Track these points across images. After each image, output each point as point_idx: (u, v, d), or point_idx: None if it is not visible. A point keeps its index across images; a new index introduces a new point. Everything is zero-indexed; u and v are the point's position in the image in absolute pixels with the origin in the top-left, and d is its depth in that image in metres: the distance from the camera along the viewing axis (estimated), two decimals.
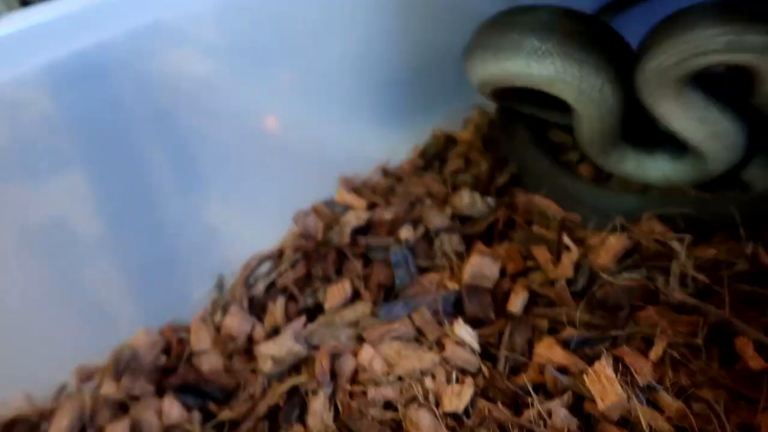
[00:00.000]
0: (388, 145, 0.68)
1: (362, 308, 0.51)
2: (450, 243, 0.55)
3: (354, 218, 0.57)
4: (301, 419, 0.42)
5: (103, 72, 0.45)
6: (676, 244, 0.46)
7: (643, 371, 0.41)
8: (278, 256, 0.56)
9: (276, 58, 0.60)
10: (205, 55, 0.57)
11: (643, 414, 0.38)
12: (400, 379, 0.44)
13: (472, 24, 0.71)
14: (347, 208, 0.59)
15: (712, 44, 0.42)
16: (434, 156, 0.66)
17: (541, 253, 0.51)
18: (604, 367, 0.40)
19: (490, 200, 0.59)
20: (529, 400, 0.40)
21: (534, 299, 0.49)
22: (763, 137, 0.51)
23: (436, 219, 0.56)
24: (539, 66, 0.48)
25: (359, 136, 0.69)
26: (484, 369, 0.44)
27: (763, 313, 0.42)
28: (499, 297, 0.50)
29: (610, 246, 0.49)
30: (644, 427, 0.38)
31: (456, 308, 0.50)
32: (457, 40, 0.71)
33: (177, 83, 0.53)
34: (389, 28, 0.68)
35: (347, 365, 0.45)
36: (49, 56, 0.43)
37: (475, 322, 0.49)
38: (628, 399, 0.38)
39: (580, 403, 0.40)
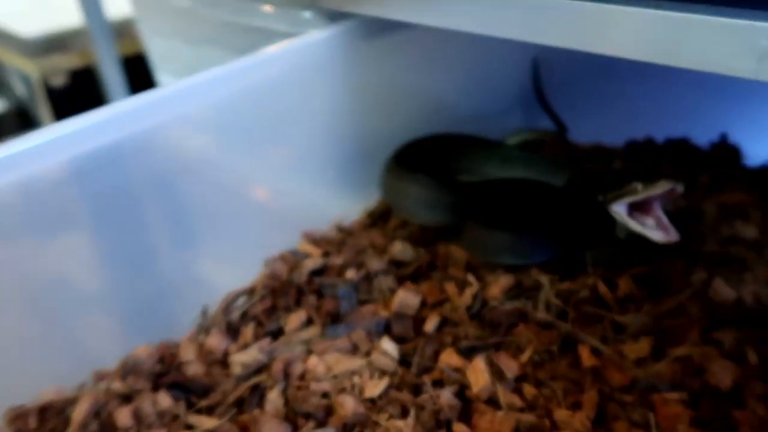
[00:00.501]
0: (345, 207, 0.85)
1: (314, 330, 0.66)
2: (385, 282, 0.71)
3: (312, 263, 0.73)
4: (260, 405, 0.57)
5: (118, 155, 0.62)
6: (544, 280, 0.62)
7: (511, 368, 0.56)
8: (251, 292, 0.72)
9: (259, 136, 0.78)
10: (201, 133, 0.74)
11: (503, 395, 0.53)
12: (335, 377, 0.58)
13: (408, 117, 0.91)
14: (307, 255, 0.75)
15: None
16: (379, 217, 0.83)
17: (451, 288, 0.67)
18: (480, 363, 0.55)
19: (421, 250, 0.75)
20: (426, 387, 0.55)
21: (444, 322, 0.65)
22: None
23: (375, 263, 0.72)
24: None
25: (322, 200, 0.87)
26: (400, 370, 0.59)
27: (598, 327, 0.58)
28: (418, 321, 0.66)
29: (499, 282, 0.65)
30: (503, 404, 0.53)
31: (386, 330, 0.66)
32: (398, 127, 0.90)
33: (176, 155, 0.70)
34: (347, 117, 0.87)
35: (297, 368, 0.60)
36: (74, 151, 0.59)
37: (399, 340, 0.64)
38: (493, 384, 0.54)
39: (463, 391, 0.55)
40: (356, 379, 0.58)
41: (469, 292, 0.65)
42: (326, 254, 0.75)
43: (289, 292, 0.70)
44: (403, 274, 0.72)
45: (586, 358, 0.56)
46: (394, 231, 0.80)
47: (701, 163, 0.90)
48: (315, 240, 0.78)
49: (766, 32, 0.42)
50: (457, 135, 0.91)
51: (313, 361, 0.61)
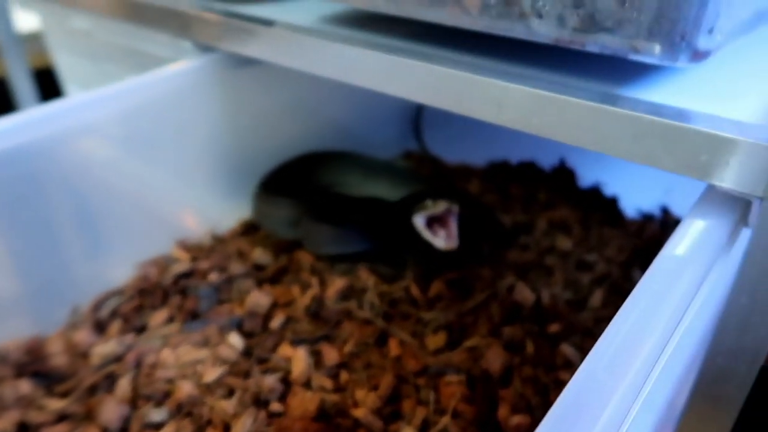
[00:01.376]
0: (223, 216, 0.94)
1: (174, 327, 0.75)
2: (244, 284, 0.81)
3: (180, 267, 0.81)
4: (110, 391, 0.65)
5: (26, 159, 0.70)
6: (370, 283, 0.73)
7: (331, 357, 0.66)
8: (122, 292, 0.80)
9: (145, 150, 0.86)
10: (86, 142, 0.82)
11: (316, 379, 0.63)
12: (182, 366, 0.67)
13: (286, 137, 1.01)
14: (178, 260, 0.84)
15: None
16: (251, 226, 0.92)
17: (296, 291, 0.77)
18: (301, 353, 0.65)
19: (282, 256, 0.85)
20: (254, 373, 0.65)
21: (288, 320, 0.75)
22: None
23: (237, 268, 0.81)
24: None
25: (203, 209, 0.95)
26: (241, 360, 0.69)
27: (408, 323, 0.69)
28: (268, 319, 0.76)
29: (335, 285, 0.75)
30: (315, 386, 0.63)
31: (238, 326, 0.75)
32: (275, 146, 1.00)
33: (62, 162, 0.78)
34: (225, 135, 0.96)
35: (150, 359, 0.68)
36: None
37: (247, 335, 0.74)
38: (309, 370, 0.64)
39: (287, 376, 0.65)
40: (199, 368, 0.67)
41: (309, 294, 0.75)
42: (195, 259, 0.84)
43: (156, 293, 0.79)
44: (262, 277, 0.82)
45: (393, 348, 0.67)
46: (260, 240, 0.89)
47: (543, 182, 1.03)
48: (187, 246, 0.86)
49: (501, 88, 0.53)
50: (330, 152, 1.02)
51: (166, 352, 0.69)
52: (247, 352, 0.71)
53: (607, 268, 0.82)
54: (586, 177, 1.04)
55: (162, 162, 0.92)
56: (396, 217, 0.78)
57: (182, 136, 0.92)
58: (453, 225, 0.71)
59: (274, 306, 0.77)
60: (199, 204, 0.95)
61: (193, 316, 0.77)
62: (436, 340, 0.67)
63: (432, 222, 0.72)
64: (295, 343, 0.69)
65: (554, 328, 0.70)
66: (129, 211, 0.89)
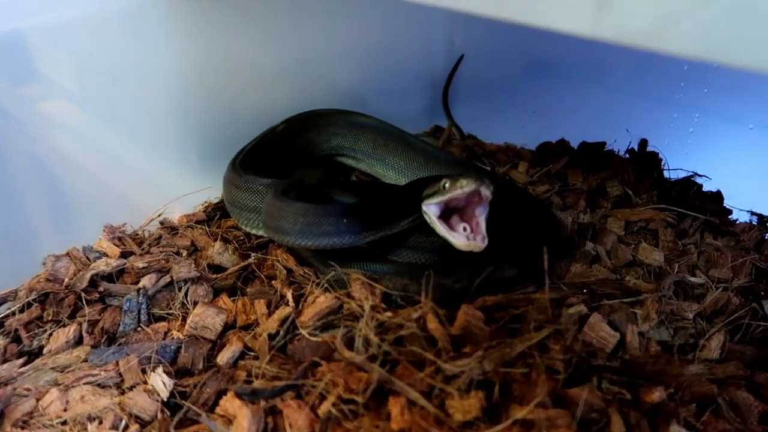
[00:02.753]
0: (182, 198, 0.70)
1: (78, 353, 0.51)
2: (195, 293, 0.56)
3: (103, 265, 0.57)
4: None
5: None
6: (366, 306, 0.48)
7: (297, 424, 0.42)
8: (16, 296, 0.56)
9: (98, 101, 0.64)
10: None
11: None
12: (65, 422, 0.43)
13: (274, 100, 0.77)
14: (103, 254, 0.60)
15: None
16: (217, 213, 0.68)
17: (260, 307, 0.52)
18: (245, 412, 0.41)
19: (252, 255, 0.60)
20: None
21: (244, 353, 0.50)
22: None
23: (183, 270, 0.57)
24: None
25: (156, 186, 0.71)
26: (159, 418, 0.44)
27: (421, 374, 0.44)
28: (217, 348, 0.51)
29: (317, 304, 0.50)
30: None
31: (172, 358, 0.51)
32: (256, 112, 0.76)
33: None
34: (193, 91, 0.72)
35: (23, 408, 0.45)
36: None
37: (181, 372, 0.49)
38: None
39: None
40: (92, 427, 0.43)
41: (279, 315, 0.51)
42: (126, 255, 0.60)
43: (65, 301, 0.55)
44: (219, 285, 0.57)
45: (397, 416, 0.41)
46: (229, 231, 0.65)
47: (615, 170, 0.76)
48: (118, 236, 0.62)
49: None
50: (331, 111, 0.77)
51: (51, 397, 0.46)
52: (171, 405, 0.46)
53: (723, 297, 0.55)
54: (673, 164, 0.77)
55: (107, 118, 0.68)
56: (402, 203, 0.53)
57: (140, 89, 0.68)
58: (479, 216, 0.49)
59: (228, 329, 0.53)
60: (153, 178, 0.71)
61: (110, 339, 0.53)
62: (465, 406, 0.42)
63: (450, 212, 0.48)
64: (246, 396, 0.44)
65: (654, 394, 0.44)
66: (57, 183, 0.66)
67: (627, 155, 0.79)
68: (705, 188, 0.73)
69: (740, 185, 0.70)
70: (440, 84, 0.98)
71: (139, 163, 0.72)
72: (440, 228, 0.50)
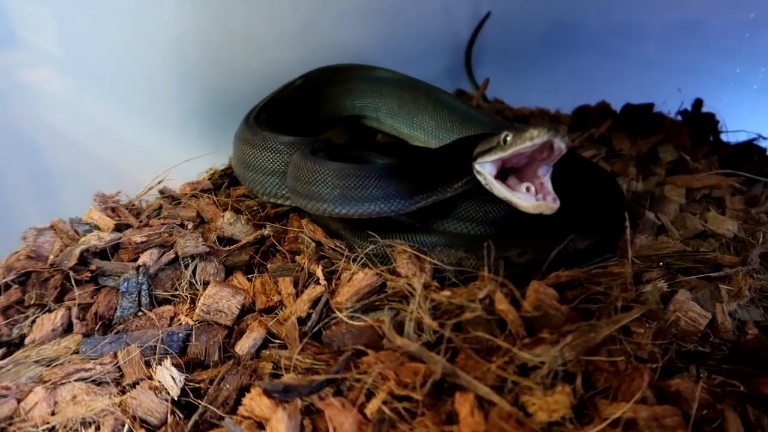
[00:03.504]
0: (184, 165, 0.61)
1: (67, 343, 0.42)
2: (204, 271, 0.48)
3: (95, 239, 0.49)
4: None
5: None
6: (416, 284, 0.40)
7: (341, 426, 0.34)
8: None
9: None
10: None
11: None
12: (52, 430, 0.35)
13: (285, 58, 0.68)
14: (95, 227, 0.51)
15: None
16: (225, 181, 0.59)
17: (286, 286, 0.44)
18: (280, 415, 0.33)
19: (269, 225, 0.52)
20: None
21: (269, 340, 0.42)
22: None
23: (189, 244, 0.48)
24: None
25: (154, 151, 0.63)
26: (171, 421, 0.36)
27: (491, 364, 0.36)
28: (235, 335, 0.43)
29: (355, 282, 0.42)
30: None
31: (181, 348, 0.42)
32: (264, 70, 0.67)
33: None
34: (194, 44, 0.63)
35: (0, 411, 0.36)
36: None
37: (193, 365, 0.41)
38: None
39: None
40: None
41: (309, 295, 0.42)
42: (122, 227, 0.51)
43: (50, 281, 0.46)
44: (234, 261, 0.49)
45: (467, 417, 0.33)
46: (239, 201, 0.56)
47: (667, 134, 0.68)
48: (112, 207, 0.53)
49: None
50: (352, 66, 0.69)
51: (35, 397, 0.37)
52: (184, 405, 0.38)
53: None
54: (732, 126, 0.69)
55: (95, 82, 0.59)
56: (455, 162, 0.45)
57: (134, 42, 0.59)
58: (543, 176, 0.42)
59: (247, 312, 0.45)
60: (149, 147, 0.63)
61: (105, 326, 0.44)
62: (550, 404, 0.34)
63: (506, 174, 0.41)
64: (277, 393, 0.36)
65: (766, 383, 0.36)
66: (39, 152, 0.57)
67: (679, 117, 0.71)
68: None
69: None
70: (463, 45, 0.89)
71: (133, 131, 0.63)
72: (500, 189, 0.42)
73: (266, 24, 0.72)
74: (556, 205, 0.40)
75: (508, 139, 0.41)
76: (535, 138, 0.39)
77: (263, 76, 0.70)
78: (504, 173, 0.45)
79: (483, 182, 0.44)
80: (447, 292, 0.38)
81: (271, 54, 0.73)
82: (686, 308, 0.43)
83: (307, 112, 0.63)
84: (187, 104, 0.68)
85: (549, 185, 0.42)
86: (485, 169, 0.43)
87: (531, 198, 0.41)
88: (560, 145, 0.39)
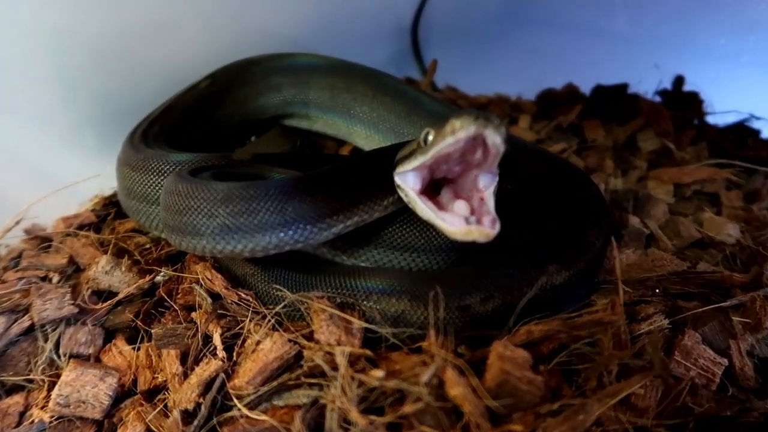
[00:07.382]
0: (66, 190, 0.48)
1: None
2: (72, 341, 0.36)
3: None
4: None
5: None
6: (340, 358, 0.29)
7: None
8: None
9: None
10: None
11: None
12: None
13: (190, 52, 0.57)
14: None
15: None
16: (114, 208, 0.47)
17: (171, 363, 0.33)
18: None
19: (162, 270, 0.40)
20: None
21: None
22: None
23: (50, 306, 0.37)
24: None
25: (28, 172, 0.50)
26: None
27: None
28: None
29: (261, 355, 0.31)
30: None
31: None
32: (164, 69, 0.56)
33: None
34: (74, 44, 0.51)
35: None
36: None
37: None
38: None
39: None
40: None
41: (200, 375, 0.31)
42: None
43: None
44: (116, 322, 0.38)
45: None
46: (127, 237, 0.44)
47: (646, 118, 0.59)
48: None
49: None
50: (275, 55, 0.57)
51: None
52: None
53: None
54: (719, 106, 0.60)
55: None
56: (382, 172, 0.34)
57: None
58: (484, 188, 0.32)
59: (126, 396, 0.33)
60: (29, 164, 0.51)
61: None
62: None
63: (439, 186, 0.32)
64: None
65: None
66: None
67: (658, 98, 0.61)
68: (766, 134, 0.57)
69: None
70: (407, 27, 0.78)
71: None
72: (423, 208, 0.31)
73: (185, 12, 0.60)
74: (494, 230, 0.29)
75: (429, 138, 0.31)
76: (457, 131, 0.28)
77: (182, 78, 0.58)
78: (436, 186, 0.34)
79: (405, 199, 0.34)
80: (380, 373, 0.28)
81: (194, 48, 0.62)
82: (696, 355, 0.33)
83: (217, 120, 0.52)
84: (79, 113, 0.56)
85: (490, 202, 0.31)
86: (406, 182, 0.33)
87: (459, 221, 0.30)
88: (494, 139, 0.29)
